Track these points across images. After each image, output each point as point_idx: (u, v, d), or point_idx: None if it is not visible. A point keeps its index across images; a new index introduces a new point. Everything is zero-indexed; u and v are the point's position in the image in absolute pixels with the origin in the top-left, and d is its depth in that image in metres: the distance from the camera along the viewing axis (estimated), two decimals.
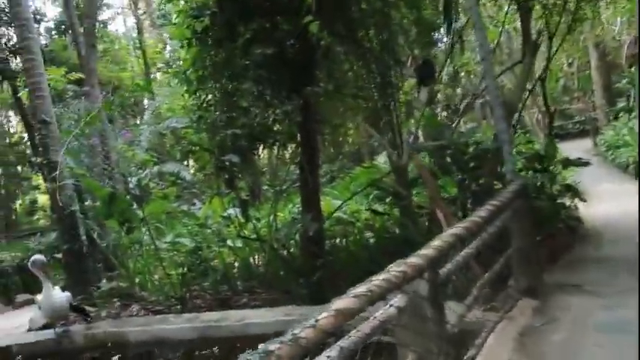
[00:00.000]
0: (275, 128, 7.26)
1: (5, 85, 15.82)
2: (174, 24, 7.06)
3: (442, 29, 8.74)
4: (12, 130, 20.49)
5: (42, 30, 17.16)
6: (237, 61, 6.36)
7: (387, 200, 7.60)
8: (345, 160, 11.87)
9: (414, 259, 2.59)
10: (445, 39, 9.95)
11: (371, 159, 8.93)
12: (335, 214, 7.68)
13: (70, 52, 14.32)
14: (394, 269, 2.41)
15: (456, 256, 3.32)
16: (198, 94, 7.38)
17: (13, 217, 20.68)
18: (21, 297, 9.42)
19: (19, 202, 21.86)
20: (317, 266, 5.97)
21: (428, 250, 2.77)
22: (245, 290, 6.82)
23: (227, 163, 7.20)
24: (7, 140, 20.28)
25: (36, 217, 20.05)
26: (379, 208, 7.73)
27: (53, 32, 18.21)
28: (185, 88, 7.60)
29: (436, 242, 2.86)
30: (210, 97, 7.19)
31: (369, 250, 6.77)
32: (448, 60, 10.25)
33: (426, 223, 6.69)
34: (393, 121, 7.19)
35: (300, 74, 6.33)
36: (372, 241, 7.26)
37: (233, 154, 7.03)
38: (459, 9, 8.94)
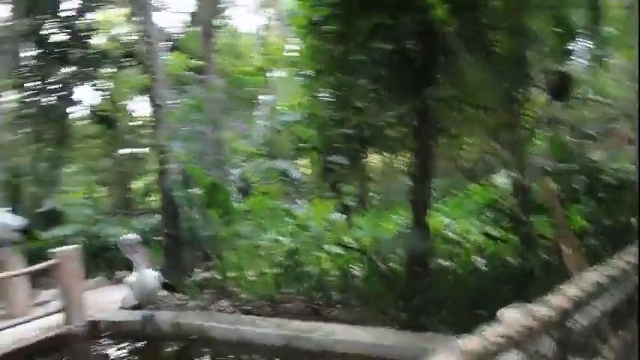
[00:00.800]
0: (387, 133, 6.81)
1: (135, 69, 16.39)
2: (295, 13, 6.76)
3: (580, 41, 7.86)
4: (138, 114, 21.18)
5: (178, 21, 17.68)
6: (354, 57, 5.95)
7: (503, 224, 6.89)
8: (458, 176, 11.10)
9: (542, 310, 2.03)
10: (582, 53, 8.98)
11: (487, 177, 8.19)
12: (442, 232, 7.08)
13: (198, 44, 14.58)
14: (515, 320, 1.86)
15: (589, 309, 2.66)
16: (312, 90, 7.10)
17: (130, 196, 21.51)
18: (120, 273, 9.57)
19: (137, 182, 22.71)
20: (419, 288, 5.42)
21: (560, 299, 2.17)
22: (339, 302, 6.39)
23: (334, 165, 6.85)
24: (133, 123, 21.05)
25: (151, 198, 20.59)
26: (493, 231, 7.02)
27: (186, 23, 18.74)
28: (299, 82, 7.37)
29: (573, 289, 2.25)
30: (323, 93, 6.87)
31: (478, 277, 6.11)
32: (584, 76, 9.26)
33: (546, 256, 5.93)
34: (517, 137, 6.50)
35: (420, 75, 5.81)
36: (482, 267, 6.59)
37: (341, 155, 6.65)
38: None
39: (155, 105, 8.32)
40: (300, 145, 8.10)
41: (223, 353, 5.93)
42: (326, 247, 7.24)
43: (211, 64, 11.09)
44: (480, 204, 7.16)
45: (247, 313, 6.48)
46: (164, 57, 11.90)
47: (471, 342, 1.64)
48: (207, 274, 7.95)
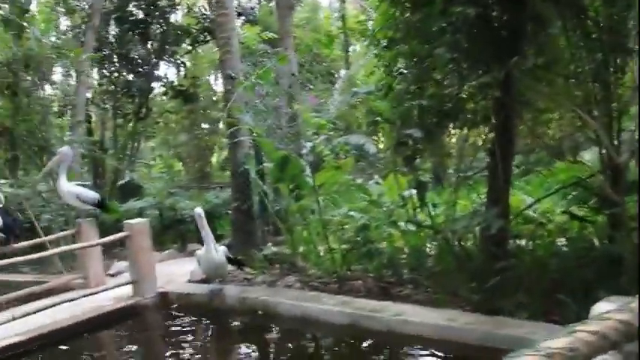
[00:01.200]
0: (467, 106, 6.41)
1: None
2: None
3: None
4: (217, 89, 21.42)
5: None
6: (433, 23, 5.58)
7: (590, 204, 6.37)
8: (542, 153, 10.43)
9: None
10: None
11: (573, 155, 7.59)
12: (523, 212, 6.63)
13: (275, 20, 14.47)
14: (614, 316, 1.54)
15: None
16: (387, 60, 6.79)
17: (208, 169, 21.91)
18: (192, 246, 9.68)
19: (215, 156, 23.08)
20: (495, 270, 5.06)
21: None
22: (409, 281, 6.11)
23: (409, 139, 6.54)
24: (211, 98, 21.31)
25: (227, 172, 20.85)
26: (578, 212, 6.51)
27: None
28: (374, 53, 7.08)
29: None
30: (399, 64, 6.55)
31: (560, 259, 5.67)
32: None
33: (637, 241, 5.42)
34: (612, 111, 5.94)
35: (505, 42, 5.37)
36: (564, 249, 6.13)
37: (417, 129, 6.33)
38: None
39: (228, 78, 8.25)
40: (375, 118, 7.82)
41: (288, 329, 5.79)
42: (398, 223, 6.96)
43: (288, 37, 10.93)
44: (565, 182, 6.64)
45: (314, 289, 6.31)
46: (240, 30, 11.87)
47: (559, 341, 1.34)
48: (276, 249, 7.87)
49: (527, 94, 6.21)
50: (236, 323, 6.35)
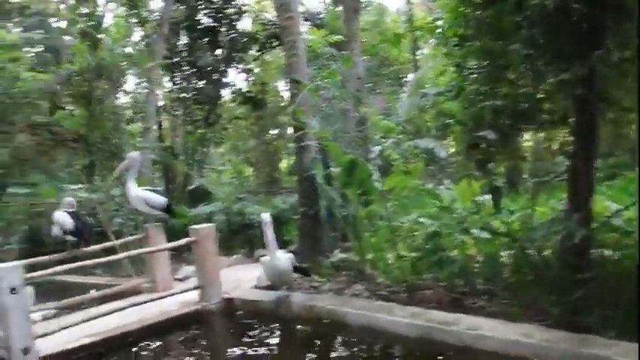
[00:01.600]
0: (544, 105, 6.03)
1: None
2: None
3: None
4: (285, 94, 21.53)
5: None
6: (506, 18, 5.26)
7: None
8: (625, 155, 9.81)
9: None
10: None
11: None
12: (607, 219, 6.16)
13: (341, 23, 14.34)
14: None
15: None
16: (458, 59, 6.49)
17: (277, 175, 22.02)
18: (260, 251, 9.62)
19: (282, 161, 23.19)
20: (577, 282, 4.68)
21: None
22: (483, 292, 5.78)
23: (482, 142, 6.20)
24: (279, 104, 21.43)
25: (295, 177, 20.83)
26: None
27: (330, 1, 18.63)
28: (444, 52, 6.80)
29: None
30: (470, 62, 6.24)
31: None
32: None
33: None
34: None
35: (586, 36, 4.98)
36: None
37: (490, 131, 5.99)
38: None
39: (294, 82, 8.15)
40: (445, 120, 7.52)
41: (355, 340, 5.57)
42: (471, 231, 6.63)
43: (354, 41, 10.77)
44: None
45: (383, 298, 6.08)
46: (306, 35, 11.80)
47: None
48: (344, 256, 7.68)
49: (612, 91, 5.77)
50: (302, 332, 6.19)
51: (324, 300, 6.30)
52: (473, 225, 6.73)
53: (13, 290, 5.49)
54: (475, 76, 6.27)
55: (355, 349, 5.42)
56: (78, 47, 10.99)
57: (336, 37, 9.96)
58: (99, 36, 10.13)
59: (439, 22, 7.28)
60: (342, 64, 8.21)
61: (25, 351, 5.53)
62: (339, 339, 5.69)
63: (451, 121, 7.10)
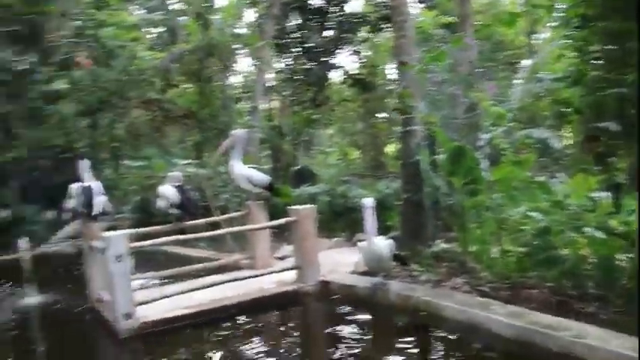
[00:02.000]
0: None
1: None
2: None
3: None
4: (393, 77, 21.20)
5: None
6: None
7: None
8: None
9: None
10: None
11: None
12: None
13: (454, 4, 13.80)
14: None
15: None
16: (580, 42, 5.99)
17: (383, 158, 21.77)
18: (360, 235, 9.51)
19: (391, 145, 22.90)
20: None
21: None
22: (595, 297, 5.33)
23: (602, 133, 5.71)
24: (389, 86, 21.11)
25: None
26: None
27: None
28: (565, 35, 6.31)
29: None
30: (594, 46, 5.74)
31: None
32: None
33: None
34: None
35: None
36: None
37: (612, 121, 5.49)
38: None
39: (400, 62, 7.91)
40: (562, 109, 7.01)
41: (451, 335, 5.33)
42: (585, 229, 6.13)
43: (467, 22, 10.31)
44: None
45: (483, 294, 5.76)
46: (416, 16, 11.45)
47: None
48: (445, 246, 7.40)
49: None
50: (397, 322, 6.02)
51: (422, 291, 6.09)
52: (587, 223, 6.21)
53: (118, 258, 5.76)
54: (598, 61, 5.76)
55: (451, 345, 5.21)
56: (192, 27, 11.32)
57: (448, 18, 9.55)
58: (210, 16, 10.34)
59: (559, 2, 6.78)
60: (452, 45, 7.84)
61: (127, 316, 5.80)
62: (435, 333, 5.46)
63: (568, 110, 6.60)
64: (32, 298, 8.10)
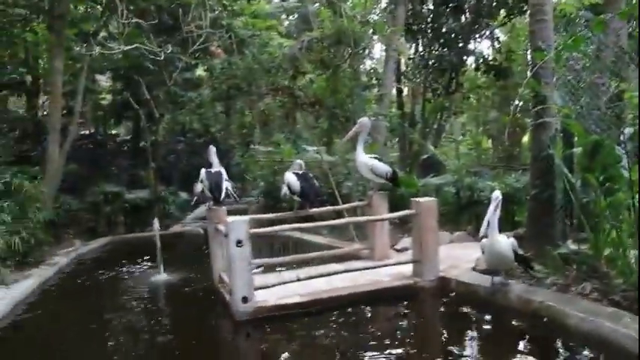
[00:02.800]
0: None
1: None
2: None
3: None
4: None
5: None
6: None
7: None
8: None
9: None
10: None
11: None
12: None
13: None
14: None
15: None
16: None
17: (517, 150, 20.78)
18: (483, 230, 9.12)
19: (525, 136, 21.80)
20: None
21: None
22: None
23: None
24: (527, 73, 20.01)
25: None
26: None
27: None
28: None
29: None
30: None
31: None
32: None
33: None
34: None
35: None
36: None
37: None
38: None
39: (536, 48, 7.38)
40: None
41: (574, 346, 4.93)
42: None
43: (615, 2, 9.43)
44: None
45: (614, 304, 5.26)
46: None
47: None
48: (575, 248, 6.86)
49: None
50: (516, 326, 5.67)
51: (545, 295, 5.71)
52: None
53: (239, 243, 5.94)
54: None
55: (571, 356, 4.82)
56: (323, 14, 11.39)
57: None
58: (340, 4, 10.31)
59: None
60: (594, 29, 7.16)
61: (245, 300, 5.99)
62: (556, 342, 5.08)
63: None
64: (162, 276, 8.62)
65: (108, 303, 7.50)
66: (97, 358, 5.53)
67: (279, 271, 7.43)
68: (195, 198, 8.28)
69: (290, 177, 7.41)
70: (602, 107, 7.79)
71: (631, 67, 8.17)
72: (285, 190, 7.54)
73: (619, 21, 9.08)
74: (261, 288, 6.21)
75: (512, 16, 15.14)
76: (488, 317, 5.96)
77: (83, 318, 6.84)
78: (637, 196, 6.22)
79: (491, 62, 16.01)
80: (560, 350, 4.99)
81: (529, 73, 15.02)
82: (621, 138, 6.62)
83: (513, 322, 5.71)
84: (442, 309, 6.56)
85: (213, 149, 7.92)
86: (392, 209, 8.05)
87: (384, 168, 7.72)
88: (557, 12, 8.92)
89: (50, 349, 5.83)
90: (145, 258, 9.89)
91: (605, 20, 7.07)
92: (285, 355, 5.26)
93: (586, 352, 4.82)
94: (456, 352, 5.08)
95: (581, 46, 6.81)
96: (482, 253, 6.25)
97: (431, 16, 14.87)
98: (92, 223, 13.92)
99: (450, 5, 14.47)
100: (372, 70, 14.81)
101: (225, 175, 7.61)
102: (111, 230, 14.04)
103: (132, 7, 12.42)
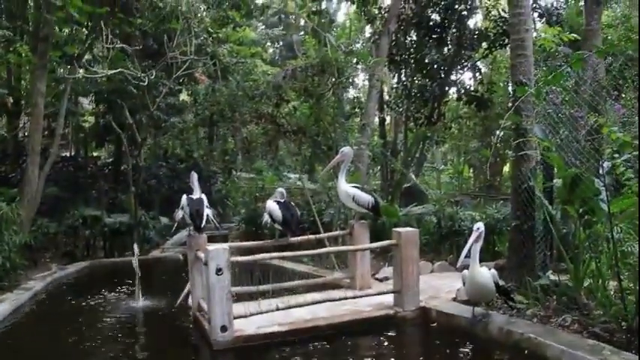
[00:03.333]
0: None
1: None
2: None
3: None
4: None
5: None
6: None
7: None
8: None
9: None
10: None
11: None
12: None
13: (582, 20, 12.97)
14: None
15: None
16: None
17: (498, 180, 20.95)
18: (466, 261, 9.10)
19: (507, 166, 22.01)
20: None
21: None
22: None
23: None
24: (508, 104, 20.30)
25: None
26: None
27: None
28: None
29: None
30: None
31: None
32: None
33: None
34: None
35: None
36: None
37: None
38: None
39: (517, 82, 7.52)
40: None
41: None
42: None
43: (594, 38, 9.68)
44: None
45: (595, 336, 5.29)
46: (536, 31, 10.91)
47: None
48: (555, 279, 6.90)
49: None
50: (497, 358, 5.66)
51: (526, 327, 5.72)
52: None
53: (219, 271, 5.89)
54: None
55: None
56: (308, 43, 11.50)
57: (572, 35, 8.94)
58: (324, 33, 10.43)
59: None
60: (573, 65, 7.32)
61: (224, 329, 5.91)
62: None
63: None
64: (140, 302, 8.50)
65: (83, 330, 7.35)
66: None
67: (259, 299, 7.36)
68: (176, 224, 8.21)
69: (272, 205, 7.39)
70: (581, 140, 7.92)
71: (608, 101, 8.34)
72: (266, 218, 7.52)
73: (596, 57, 9.30)
74: (240, 317, 6.14)
75: (493, 49, 15.38)
76: (469, 349, 5.94)
77: (56, 345, 6.69)
78: (615, 229, 6.30)
79: (472, 93, 16.20)
80: None
81: (510, 105, 15.27)
82: (600, 171, 6.71)
83: (494, 354, 5.70)
84: (423, 339, 6.54)
85: (195, 176, 7.90)
86: (373, 238, 8.04)
87: (365, 198, 7.75)
88: (537, 47, 9.09)
89: None
90: (123, 283, 9.75)
91: (583, 57, 7.24)
92: None
93: None
94: None
95: (560, 81, 6.93)
96: (464, 284, 6.27)
97: (414, 47, 15.05)
98: (70, 246, 13.74)
99: (433, 37, 14.68)
100: (355, 99, 14.90)
101: (206, 202, 7.57)
102: (89, 254, 13.85)
103: (117, 32, 12.46)
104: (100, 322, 7.65)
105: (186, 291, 7.81)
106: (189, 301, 7.41)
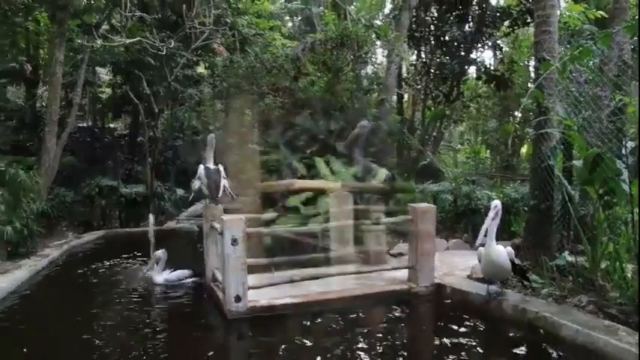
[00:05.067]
0: None
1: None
2: None
3: None
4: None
5: None
6: None
7: None
8: None
9: None
10: None
11: None
12: None
13: None
14: None
15: None
16: None
17: (515, 160, 20.77)
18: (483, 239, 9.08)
19: (525, 147, 21.79)
20: None
21: None
22: None
23: None
24: (529, 84, 20.00)
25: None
26: None
27: None
28: None
29: None
30: None
31: None
32: None
33: None
34: None
35: None
36: None
37: None
38: None
39: (540, 59, 7.37)
40: None
41: (573, 359, 4.87)
42: None
43: (622, 16, 9.42)
44: None
45: (610, 317, 5.23)
46: (563, 10, 10.68)
47: None
48: (572, 259, 6.82)
49: None
50: (510, 336, 5.61)
51: (541, 305, 5.67)
52: None
53: (234, 241, 5.87)
54: None
55: None
56: (327, 17, 11.36)
57: (599, 12, 8.73)
58: (344, 5, 10.30)
59: None
60: (599, 43, 7.15)
61: (238, 299, 5.92)
62: (551, 354, 5.02)
63: None
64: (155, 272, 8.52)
65: (98, 297, 7.41)
66: (83, 348, 5.45)
67: (273, 271, 7.36)
68: (192, 194, 8.19)
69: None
70: (604, 120, 7.77)
71: (634, 81, 8.16)
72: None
73: (623, 35, 9.08)
74: (254, 288, 6.15)
75: (515, 27, 15.14)
76: (482, 326, 5.89)
77: (72, 311, 6.75)
78: (636, 210, 6.19)
79: (492, 72, 16.01)
80: None
81: (531, 84, 15.04)
82: (623, 151, 6.59)
83: (508, 332, 5.65)
84: (435, 315, 6.51)
85: (213, 140, 7.69)
86: (388, 214, 8.01)
87: (383, 172, 7.71)
88: (562, 24, 8.90)
89: (38, 339, 5.75)
90: (138, 253, 9.80)
91: (610, 34, 7.06)
92: (276, 355, 5.20)
93: None
94: (447, 359, 5.03)
95: (587, 57, 6.77)
96: (479, 261, 6.22)
97: (434, 23, 14.86)
98: (86, 216, 13.86)
99: (454, 14, 14.46)
100: (373, 74, 14.74)
101: (223, 173, 7.55)
102: (105, 224, 13.97)
103: (135, 1, 12.38)
104: (115, 289, 7.70)
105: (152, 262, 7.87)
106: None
